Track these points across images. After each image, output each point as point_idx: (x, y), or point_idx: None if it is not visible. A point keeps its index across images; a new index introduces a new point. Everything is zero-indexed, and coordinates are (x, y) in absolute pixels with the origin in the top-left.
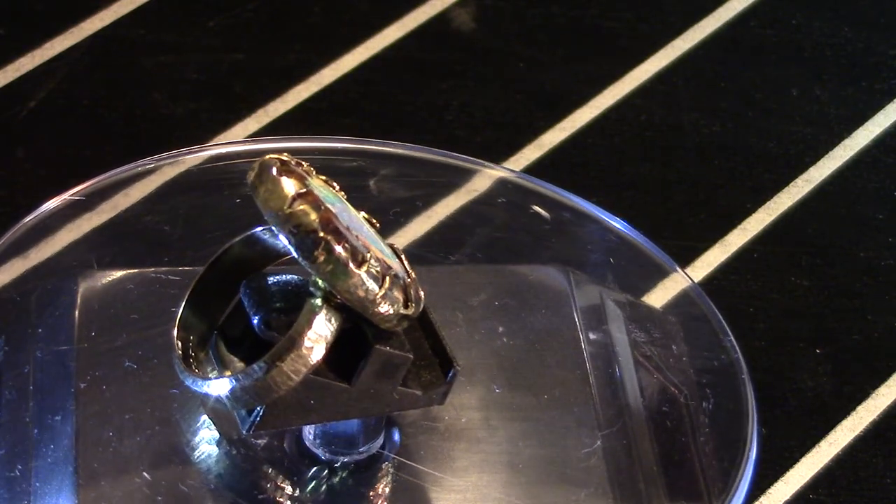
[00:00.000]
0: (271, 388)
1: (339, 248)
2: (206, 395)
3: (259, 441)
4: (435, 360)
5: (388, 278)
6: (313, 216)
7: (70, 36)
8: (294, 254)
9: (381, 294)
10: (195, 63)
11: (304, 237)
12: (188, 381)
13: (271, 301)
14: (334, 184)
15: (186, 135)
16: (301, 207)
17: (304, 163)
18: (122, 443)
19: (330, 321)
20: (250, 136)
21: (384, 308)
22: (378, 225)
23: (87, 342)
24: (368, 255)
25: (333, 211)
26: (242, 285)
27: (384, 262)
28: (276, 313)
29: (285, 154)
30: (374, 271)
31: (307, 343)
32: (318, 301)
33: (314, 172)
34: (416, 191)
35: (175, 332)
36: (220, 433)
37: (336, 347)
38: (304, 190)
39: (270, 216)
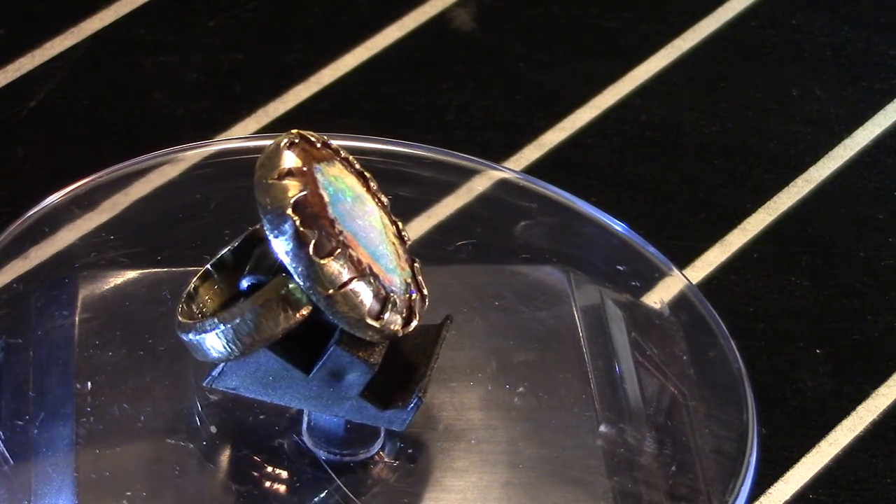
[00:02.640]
0: (220, 349)
1: (305, 231)
2: (182, 341)
3: (259, 442)
4: (415, 387)
5: (356, 281)
6: (291, 193)
7: (70, 36)
8: (264, 226)
9: (340, 292)
10: (195, 63)
11: (273, 211)
12: (176, 328)
13: (266, 267)
14: (372, 183)
15: (186, 135)
16: (284, 182)
17: (342, 151)
18: (122, 443)
19: (289, 304)
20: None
21: (339, 307)
22: (408, 240)
23: (88, 342)
24: (339, 252)
25: (326, 199)
26: (255, 247)
27: (364, 266)
28: (262, 283)
29: (315, 135)
30: (337, 268)
31: (258, 317)
32: (289, 283)
33: (354, 165)
34: (416, 191)
35: (192, 282)
36: (194, 380)
37: (318, 337)
38: (304, 169)
39: (255, 184)
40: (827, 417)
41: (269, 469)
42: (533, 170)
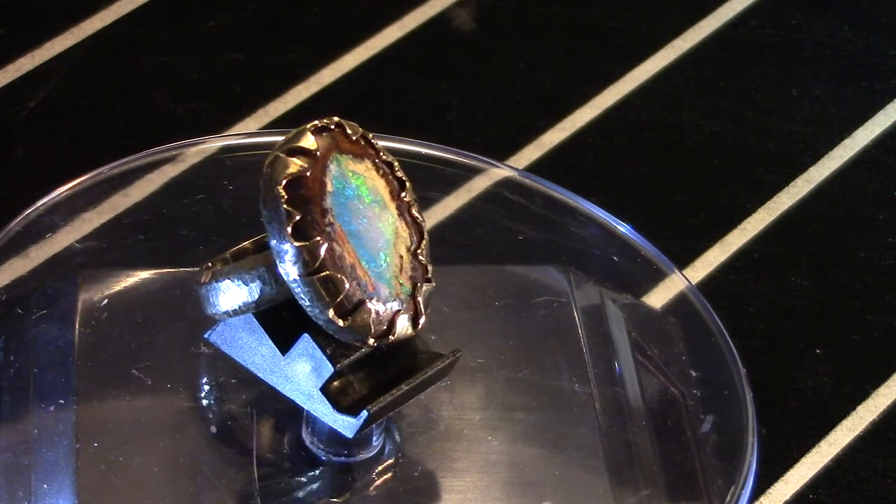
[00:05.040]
0: (212, 305)
1: (289, 210)
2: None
3: (259, 442)
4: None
5: (328, 273)
6: (290, 170)
7: (70, 36)
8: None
9: (308, 278)
10: (195, 63)
11: (267, 183)
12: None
13: None
14: (405, 195)
15: (186, 135)
16: (289, 159)
17: (384, 153)
18: (123, 443)
19: (271, 278)
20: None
21: (305, 293)
22: (423, 257)
23: (87, 342)
24: (318, 240)
25: (329, 189)
26: None
27: (345, 264)
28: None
29: (356, 128)
30: (311, 254)
31: (241, 281)
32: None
33: (395, 171)
34: (417, 190)
35: (242, 244)
36: (195, 379)
37: (307, 322)
38: (318, 153)
39: (268, 156)
40: (827, 417)
41: (269, 469)
42: (533, 170)
